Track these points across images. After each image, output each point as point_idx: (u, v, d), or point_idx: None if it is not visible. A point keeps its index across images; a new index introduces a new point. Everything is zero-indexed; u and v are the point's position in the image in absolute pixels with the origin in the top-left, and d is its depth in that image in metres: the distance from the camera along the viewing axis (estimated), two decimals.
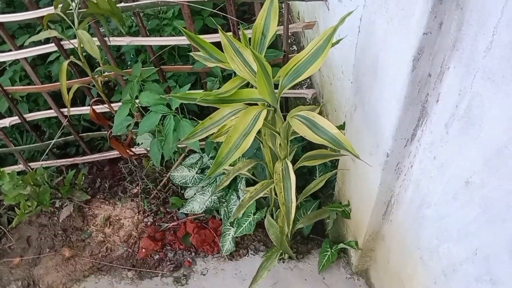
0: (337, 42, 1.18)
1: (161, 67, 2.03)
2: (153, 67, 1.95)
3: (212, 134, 1.26)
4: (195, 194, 1.97)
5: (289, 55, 1.81)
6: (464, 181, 0.85)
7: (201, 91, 2.06)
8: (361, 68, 1.24)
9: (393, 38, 0.96)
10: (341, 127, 1.57)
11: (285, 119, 1.22)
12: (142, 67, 1.95)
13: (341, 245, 1.70)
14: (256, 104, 1.16)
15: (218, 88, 1.95)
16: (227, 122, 1.18)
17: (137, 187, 2.35)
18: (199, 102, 1.09)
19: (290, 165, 1.27)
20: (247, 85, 1.23)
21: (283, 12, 1.70)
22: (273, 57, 1.77)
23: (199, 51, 1.26)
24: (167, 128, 1.70)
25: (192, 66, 2.02)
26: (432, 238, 1.07)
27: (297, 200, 1.65)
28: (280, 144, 1.32)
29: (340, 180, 1.70)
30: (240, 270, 1.89)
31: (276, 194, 1.34)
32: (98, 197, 2.38)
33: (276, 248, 1.72)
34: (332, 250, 1.78)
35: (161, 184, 2.28)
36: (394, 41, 0.96)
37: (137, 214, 2.27)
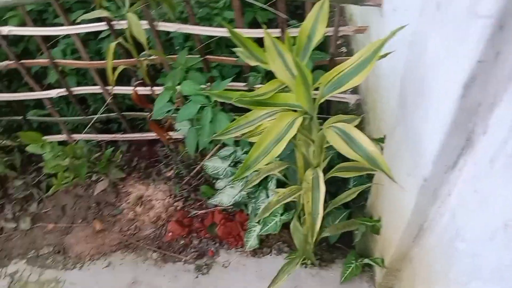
0: (385, 55, 1.12)
1: (206, 56, 2.02)
2: (199, 56, 1.95)
3: (246, 132, 1.25)
4: (225, 186, 1.97)
5: (336, 59, 1.75)
6: (504, 223, 0.79)
7: (243, 84, 2.04)
8: (408, 83, 1.18)
9: (444, 58, 0.90)
10: (381, 140, 1.51)
11: (322, 126, 1.18)
12: (189, 54, 1.96)
13: (367, 261, 1.65)
14: (294, 110, 1.13)
15: (260, 84, 1.93)
16: (263, 122, 1.16)
17: (171, 171, 2.39)
18: (235, 102, 1.07)
19: (321, 175, 1.23)
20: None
21: (335, 12, 1.64)
22: (319, 59, 1.72)
23: None
24: (204, 120, 1.70)
25: (236, 59, 2.00)
26: (462, 273, 1.00)
27: (325, 209, 1.61)
28: (313, 151, 1.28)
29: (374, 193, 1.65)
30: (261, 269, 1.88)
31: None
32: (133, 175, 2.43)
33: (300, 253, 1.69)
34: (357, 263, 1.74)
35: (194, 171, 2.29)
36: (444, 61, 0.89)
37: (168, 197, 2.30)
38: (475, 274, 0.94)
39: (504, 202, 0.80)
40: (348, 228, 1.72)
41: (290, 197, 1.39)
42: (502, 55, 0.74)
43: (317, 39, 1.23)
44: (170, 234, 2.13)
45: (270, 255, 1.94)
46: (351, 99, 2.08)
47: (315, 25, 1.23)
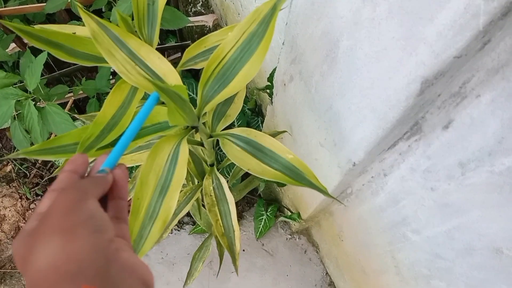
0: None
1: None
2: None
3: None
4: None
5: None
6: (494, 247, 0.62)
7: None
8: (301, 37, 0.87)
9: (376, 32, 0.60)
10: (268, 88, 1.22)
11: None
12: None
13: (282, 218, 1.49)
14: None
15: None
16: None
17: (8, 167, 1.83)
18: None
19: (223, 181, 0.93)
20: None
21: None
22: (176, 25, 1.19)
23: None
24: (29, 119, 1.20)
25: (43, 5, 1.42)
26: (416, 263, 0.87)
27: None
28: (203, 151, 0.96)
29: None
30: (167, 253, 1.62)
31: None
32: None
33: (206, 230, 1.45)
34: (268, 214, 1.57)
35: (40, 161, 1.78)
36: (378, 37, 0.60)
37: (20, 200, 1.79)
38: (434, 269, 0.81)
39: (488, 223, 0.62)
40: (251, 186, 1.50)
41: (189, 203, 1.08)
42: (491, 43, 0.48)
43: None
44: None
45: (171, 233, 1.67)
46: (208, 20, 1.68)
47: None
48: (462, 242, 0.69)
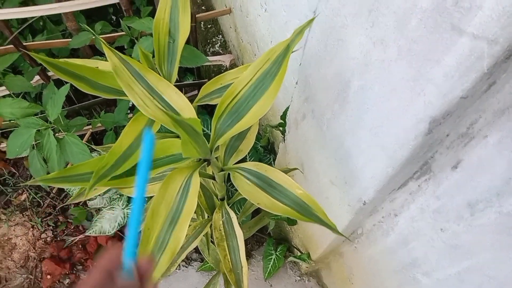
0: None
1: (25, 44, 1.47)
2: (15, 51, 1.40)
3: None
4: (102, 210, 1.57)
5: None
6: None
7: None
8: (314, 77, 0.90)
9: (386, 73, 0.62)
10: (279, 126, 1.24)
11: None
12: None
13: (291, 258, 1.47)
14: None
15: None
16: None
17: (23, 195, 1.86)
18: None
19: (233, 216, 0.94)
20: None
21: None
22: (194, 63, 1.24)
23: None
24: (48, 148, 1.24)
25: (68, 40, 1.50)
26: None
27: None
28: (215, 186, 0.98)
29: None
30: None
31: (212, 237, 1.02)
32: None
33: (214, 267, 1.44)
34: (277, 253, 1.56)
35: (54, 191, 1.81)
36: (388, 78, 0.62)
37: (31, 229, 1.81)
38: None
39: (497, 265, 0.61)
40: (261, 224, 1.50)
41: (197, 239, 1.08)
42: (497, 85, 0.50)
43: (183, 34, 0.86)
44: (49, 277, 1.70)
45: (179, 269, 1.66)
46: (225, 60, 1.74)
47: (175, 12, 0.85)
48: (472, 285, 0.68)
